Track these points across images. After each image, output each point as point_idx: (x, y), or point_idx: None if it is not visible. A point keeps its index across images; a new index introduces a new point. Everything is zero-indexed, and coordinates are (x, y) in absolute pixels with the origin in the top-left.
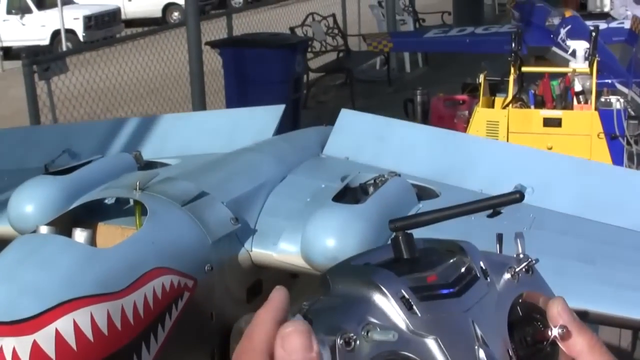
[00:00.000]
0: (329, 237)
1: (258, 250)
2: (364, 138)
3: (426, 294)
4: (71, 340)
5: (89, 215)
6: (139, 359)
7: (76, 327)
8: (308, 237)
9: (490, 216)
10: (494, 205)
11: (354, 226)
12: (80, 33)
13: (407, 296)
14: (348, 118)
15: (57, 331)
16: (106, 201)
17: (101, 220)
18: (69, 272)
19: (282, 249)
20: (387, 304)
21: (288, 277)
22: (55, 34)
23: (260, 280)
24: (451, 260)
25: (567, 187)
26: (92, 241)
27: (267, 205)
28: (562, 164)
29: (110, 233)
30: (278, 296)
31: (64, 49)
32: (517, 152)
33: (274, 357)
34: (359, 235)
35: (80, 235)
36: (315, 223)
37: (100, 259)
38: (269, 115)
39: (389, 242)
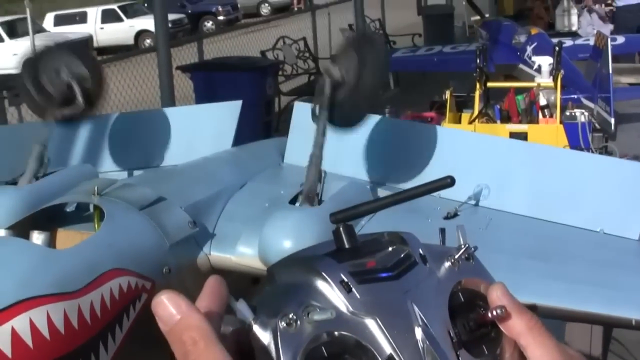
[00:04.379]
0: (285, 239)
1: (216, 254)
2: None
3: (365, 277)
4: (27, 338)
5: (48, 221)
6: (97, 358)
7: (32, 326)
8: (265, 240)
9: (447, 218)
10: (427, 191)
11: (310, 227)
12: None
13: (346, 280)
14: (303, 113)
15: (13, 329)
16: (66, 208)
17: (61, 227)
18: (26, 272)
19: (240, 252)
20: (327, 287)
21: (249, 281)
22: None
23: None
24: (390, 249)
25: (524, 183)
26: (50, 245)
27: (226, 210)
28: (519, 152)
29: (69, 238)
30: (212, 283)
31: None
32: (474, 142)
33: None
34: (315, 236)
35: (37, 237)
36: (271, 225)
37: (57, 260)
38: (228, 110)
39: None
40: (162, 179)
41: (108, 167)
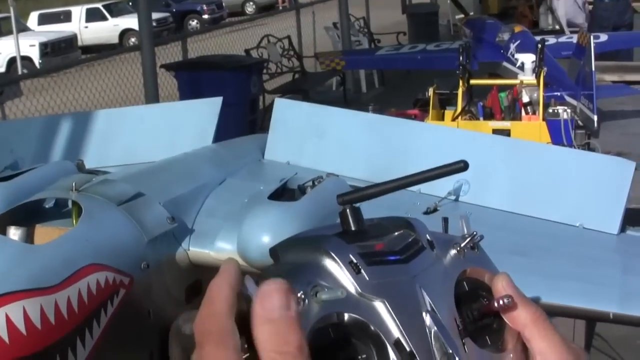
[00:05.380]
0: (264, 234)
1: (195, 250)
2: (303, 136)
3: (374, 259)
4: (4, 333)
5: (27, 217)
6: (74, 354)
7: (9, 321)
8: (244, 235)
9: (426, 213)
10: (439, 175)
11: (289, 223)
12: (37, 60)
13: (355, 261)
14: (284, 109)
15: None
16: (45, 204)
17: (39, 223)
18: (2, 268)
19: (219, 248)
20: (335, 267)
21: None
22: (12, 61)
23: (200, 281)
24: (397, 233)
25: (504, 178)
26: (28, 240)
27: (205, 206)
28: (499, 147)
29: (48, 234)
30: (230, 265)
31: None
32: (454, 137)
33: (236, 318)
34: (295, 231)
35: (14, 233)
36: (250, 220)
37: (34, 255)
38: (209, 107)
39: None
40: (141, 174)
41: (88, 163)
